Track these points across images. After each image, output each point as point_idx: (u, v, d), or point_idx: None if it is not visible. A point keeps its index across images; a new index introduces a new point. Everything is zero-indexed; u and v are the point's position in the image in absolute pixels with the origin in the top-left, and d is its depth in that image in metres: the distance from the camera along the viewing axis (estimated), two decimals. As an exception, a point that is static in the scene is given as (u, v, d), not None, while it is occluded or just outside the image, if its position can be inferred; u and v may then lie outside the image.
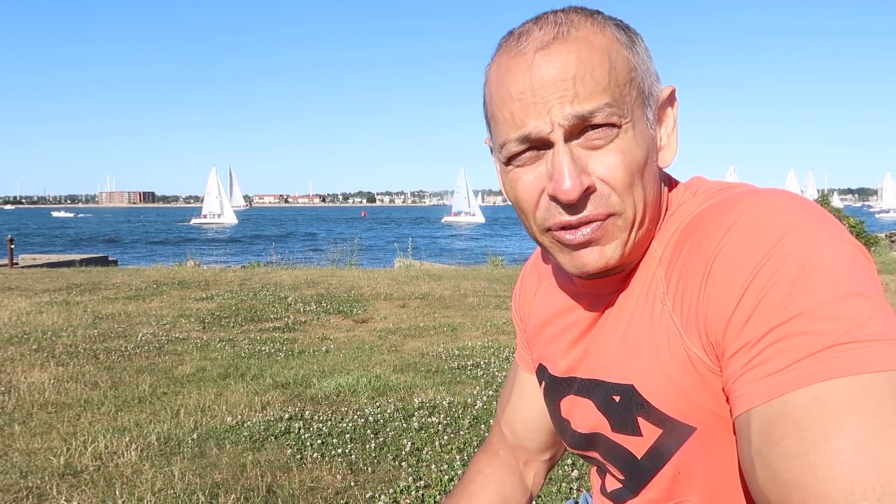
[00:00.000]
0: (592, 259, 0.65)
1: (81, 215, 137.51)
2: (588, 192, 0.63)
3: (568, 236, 0.65)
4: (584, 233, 0.65)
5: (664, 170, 0.72)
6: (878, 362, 0.49)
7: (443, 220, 77.09)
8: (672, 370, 0.63)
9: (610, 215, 0.64)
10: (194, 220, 73.99)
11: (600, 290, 0.74)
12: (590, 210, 0.64)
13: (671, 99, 0.71)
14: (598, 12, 0.68)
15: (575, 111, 0.61)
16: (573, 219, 0.64)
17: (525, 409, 0.95)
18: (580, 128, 0.63)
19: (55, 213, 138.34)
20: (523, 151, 0.65)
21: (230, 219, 72.11)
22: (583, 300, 0.77)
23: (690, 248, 0.63)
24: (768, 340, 0.53)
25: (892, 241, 19.51)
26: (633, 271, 0.70)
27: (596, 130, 0.62)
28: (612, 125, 0.62)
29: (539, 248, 0.89)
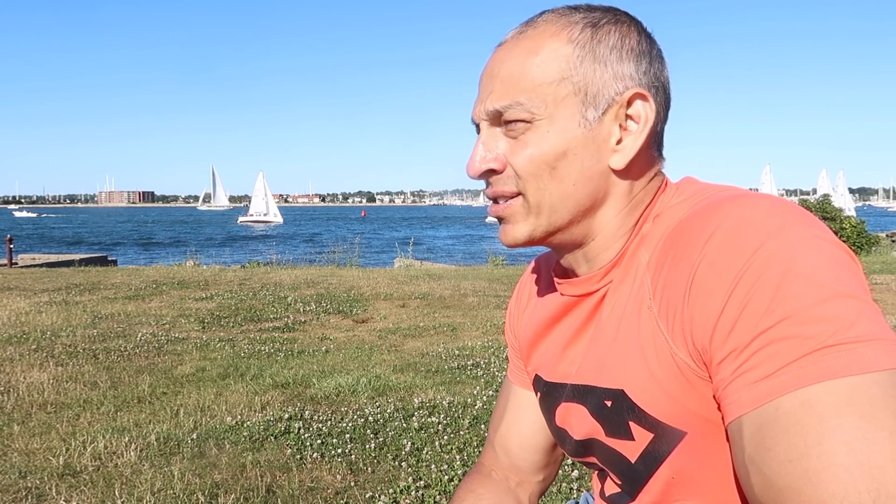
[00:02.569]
0: (503, 236, 0.73)
1: (45, 215, 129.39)
2: (494, 173, 0.71)
3: (490, 209, 0.74)
4: (496, 208, 0.73)
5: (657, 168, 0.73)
6: (867, 363, 0.49)
7: (486, 220, 77.99)
8: (660, 375, 0.63)
9: (518, 194, 0.71)
10: (241, 219, 77.54)
11: (582, 296, 0.76)
12: (496, 187, 0.72)
13: (632, 104, 0.69)
14: (590, 8, 0.70)
15: (488, 109, 0.70)
16: (488, 191, 0.73)
17: (520, 426, 0.93)
18: (500, 120, 0.70)
19: (17, 214, 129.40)
20: (477, 130, 0.74)
21: (277, 218, 76.00)
22: (573, 307, 0.77)
23: (675, 254, 0.63)
24: (755, 346, 0.52)
25: (893, 241, 19.50)
26: (622, 277, 0.71)
27: (511, 124, 0.69)
28: (523, 120, 0.69)
29: (534, 261, 0.93)
